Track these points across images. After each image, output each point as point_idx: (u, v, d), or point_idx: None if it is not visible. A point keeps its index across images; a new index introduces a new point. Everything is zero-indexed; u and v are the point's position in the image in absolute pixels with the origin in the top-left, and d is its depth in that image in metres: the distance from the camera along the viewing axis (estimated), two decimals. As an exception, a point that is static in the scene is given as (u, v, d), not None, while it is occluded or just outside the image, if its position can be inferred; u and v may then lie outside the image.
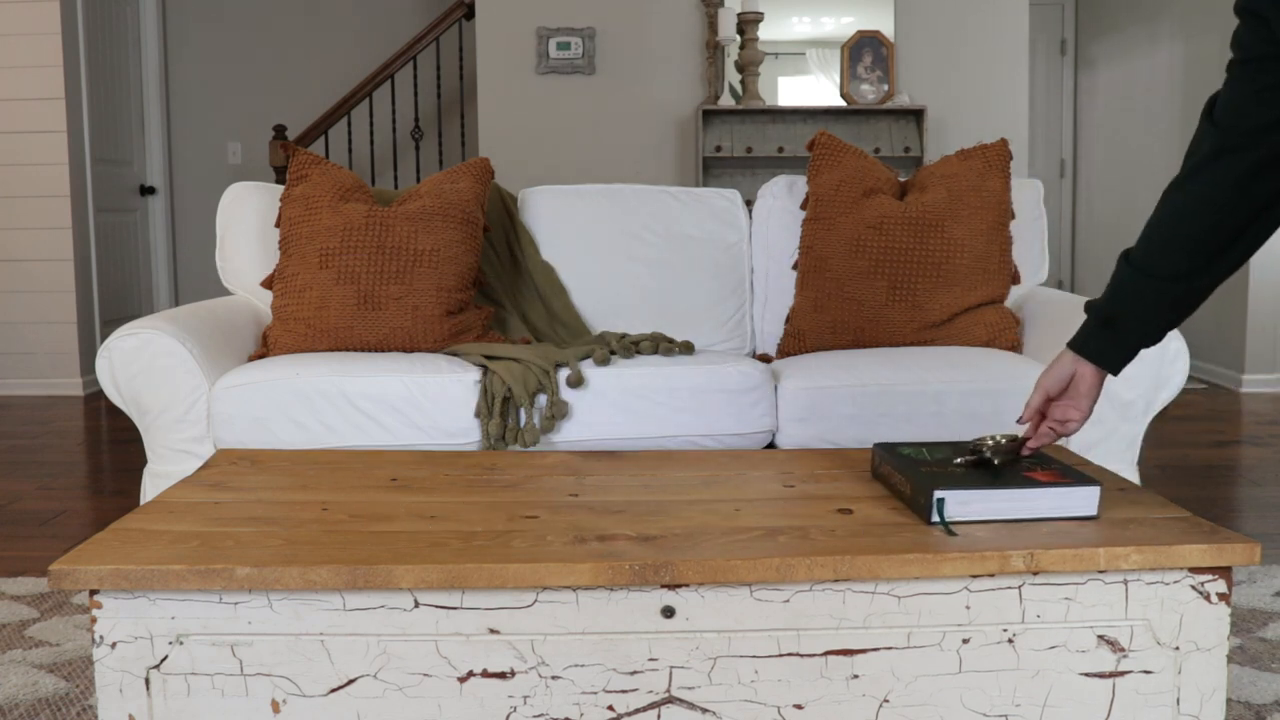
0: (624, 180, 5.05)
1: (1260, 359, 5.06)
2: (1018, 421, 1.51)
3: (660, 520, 1.40)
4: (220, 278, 2.82)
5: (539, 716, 1.27)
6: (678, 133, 5.11)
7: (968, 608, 1.28)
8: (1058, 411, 1.45)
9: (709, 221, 2.95)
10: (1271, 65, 1.21)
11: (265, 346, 2.59)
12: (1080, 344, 1.42)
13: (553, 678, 1.26)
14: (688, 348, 2.55)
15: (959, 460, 1.47)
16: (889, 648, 1.28)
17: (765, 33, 5.04)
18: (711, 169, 5.10)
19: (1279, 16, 1.17)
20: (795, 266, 2.83)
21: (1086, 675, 1.30)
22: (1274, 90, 1.21)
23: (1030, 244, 2.86)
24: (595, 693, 1.27)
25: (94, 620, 1.24)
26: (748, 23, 4.88)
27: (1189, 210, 1.30)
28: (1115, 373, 1.41)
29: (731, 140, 5.00)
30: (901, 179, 2.89)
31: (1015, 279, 2.78)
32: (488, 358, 2.42)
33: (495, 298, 2.84)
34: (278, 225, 2.71)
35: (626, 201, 2.96)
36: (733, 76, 5.05)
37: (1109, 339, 1.40)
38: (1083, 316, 2.48)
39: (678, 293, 2.89)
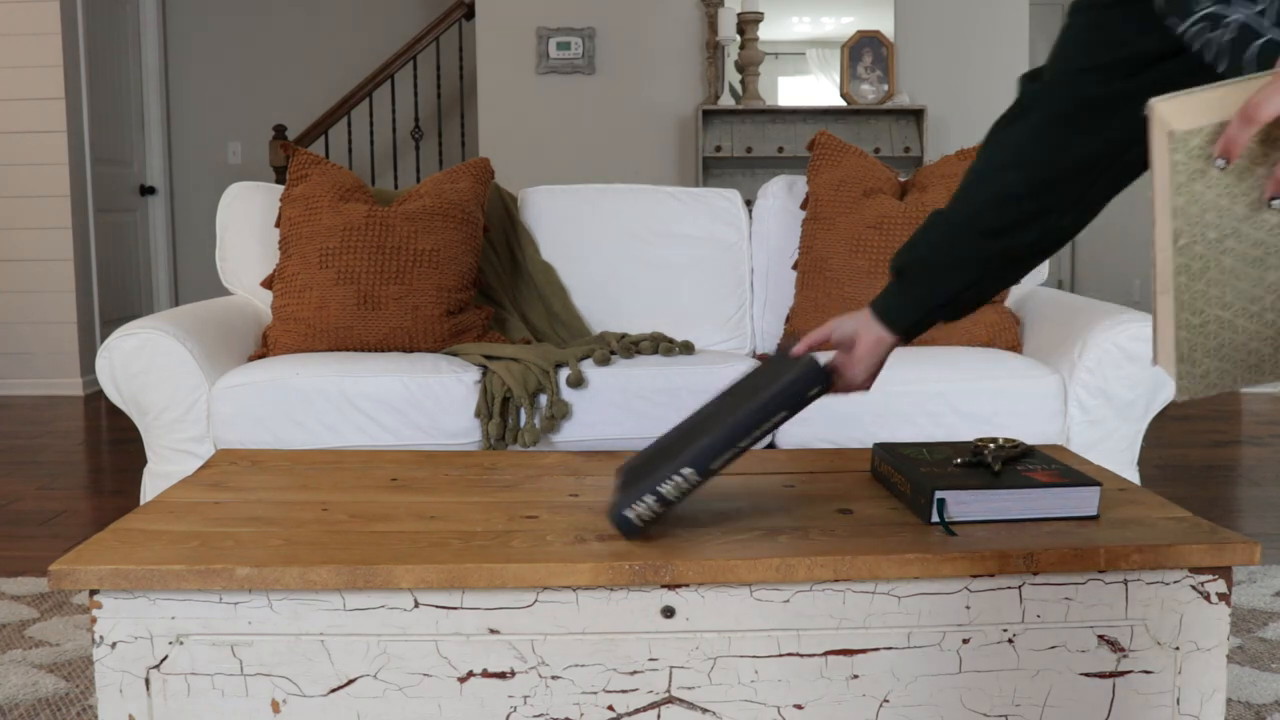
0: (624, 180, 5.05)
1: (1260, 359, 5.05)
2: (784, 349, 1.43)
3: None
4: (220, 278, 2.82)
5: (539, 716, 1.27)
6: (678, 133, 5.11)
7: (968, 608, 1.28)
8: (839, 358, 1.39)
9: (709, 221, 2.95)
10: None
11: (265, 346, 2.59)
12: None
13: (553, 678, 1.26)
14: (688, 348, 2.54)
15: (959, 460, 1.47)
16: (889, 648, 1.28)
17: (765, 33, 5.04)
18: (711, 169, 5.10)
19: None
20: (795, 266, 2.83)
21: (1086, 675, 1.30)
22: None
23: (1030, 244, 2.86)
24: (595, 693, 1.27)
25: (94, 620, 1.24)
26: (748, 23, 4.88)
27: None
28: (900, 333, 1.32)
29: (731, 140, 5.00)
30: (901, 179, 2.89)
31: (1015, 279, 2.78)
32: (488, 358, 2.42)
33: (495, 298, 2.84)
34: (278, 225, 2.71)
35: (626, 201, 2.96)
36: (733, 76, 5.05)
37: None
38: (1083, 315, 2.48)
39: (678, 293, 2.89)
